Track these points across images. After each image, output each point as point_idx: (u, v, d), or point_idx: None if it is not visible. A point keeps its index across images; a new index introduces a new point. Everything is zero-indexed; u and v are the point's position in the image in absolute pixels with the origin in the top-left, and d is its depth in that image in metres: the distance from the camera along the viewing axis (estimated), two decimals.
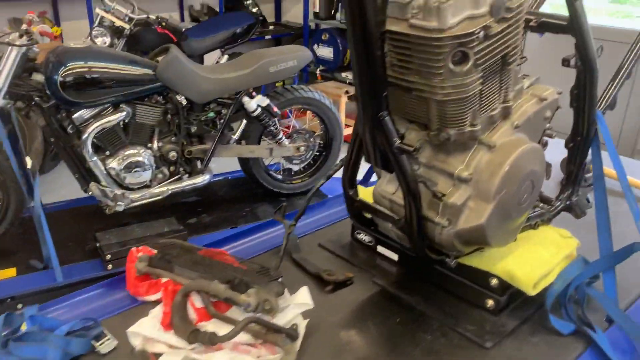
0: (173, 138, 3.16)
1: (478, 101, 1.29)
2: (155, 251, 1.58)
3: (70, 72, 2.77)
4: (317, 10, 5.62)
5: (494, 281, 1.47)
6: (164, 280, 1.47)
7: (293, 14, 6.01)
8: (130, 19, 3.81)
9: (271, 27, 5.45)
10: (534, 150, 1.38)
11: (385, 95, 1.25)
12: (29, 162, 2.82)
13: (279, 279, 1.49)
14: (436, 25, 1.16)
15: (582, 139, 1.58)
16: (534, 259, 1.49)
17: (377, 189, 1.52)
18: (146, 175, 3.07)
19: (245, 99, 3.21)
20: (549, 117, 1.46)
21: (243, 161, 3.47)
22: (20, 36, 2.74)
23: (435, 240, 1.40)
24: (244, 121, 3.30)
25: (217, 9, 5.24)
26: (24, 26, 2.82)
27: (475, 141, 1.35)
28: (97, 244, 2.88)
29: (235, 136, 3.29)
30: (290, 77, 3.31)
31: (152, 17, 3.85)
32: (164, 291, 1.44)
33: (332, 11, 5.56)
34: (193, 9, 5.31)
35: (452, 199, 1.33)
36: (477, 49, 1.19)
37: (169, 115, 3.11)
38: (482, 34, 1.19)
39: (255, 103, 3.23)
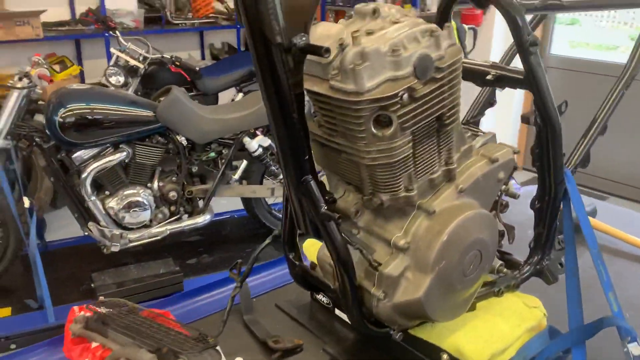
0: (174, 178, 3.15)
1: (412, 165, 1.19)
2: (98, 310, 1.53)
3: (70, 113, 2.81)
4: None
5: (445, 357, 1.34)
6: (94, 345, 1.41)
7: None
8: (145, 58, 3.86)
9: None
10: (480, 217, 1.26)
11: (307, 158, 1.16)
12: (26, 201, 2.85)
13: (216, 347, 1.41)
14: (353, 88, 1.07)
15: (550, 200, 1.44)
16: (490, 333, 1.35)
17: (320, 252, 1.43)
18: (145, 215, 3.06)
19: (247, 139, 3.19)
20: (503, 179, 1.33)
21: (246, 200, 3.43)
22: (20, 79, 2.81)
23: (373, 313, 1.29)
24: (245, 161, 3.27)
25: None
26: (27, 68, 2.89)
27: (414, 206, 1.24)
28: (92, 285, 2.88)
29: (236, 176, 3.26)
30: None
31: (167, 56, 3.88)
32: (91, 358, 1.38)
33: None
34: (214, 47, 5.36)
35: (387, 270, 1.22)
36: (400, 112, 1.10)
37: (170, 155, 3.11)
38: (405, 96, 1.09)
39: (256, 143, 3.20)
